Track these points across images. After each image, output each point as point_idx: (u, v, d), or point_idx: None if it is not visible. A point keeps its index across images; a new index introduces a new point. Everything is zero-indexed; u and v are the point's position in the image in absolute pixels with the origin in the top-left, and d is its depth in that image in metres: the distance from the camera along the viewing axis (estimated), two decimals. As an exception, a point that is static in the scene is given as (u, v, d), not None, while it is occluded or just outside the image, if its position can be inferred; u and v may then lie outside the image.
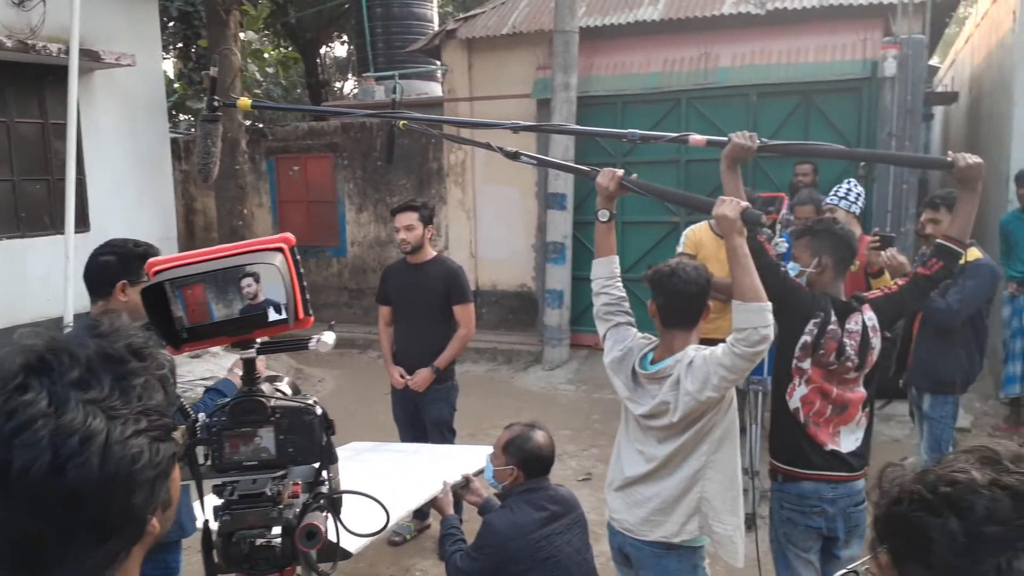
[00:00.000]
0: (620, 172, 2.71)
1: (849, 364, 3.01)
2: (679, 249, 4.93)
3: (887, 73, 6.47)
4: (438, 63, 9.50)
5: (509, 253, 9.18)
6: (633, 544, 2.70)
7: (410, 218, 4.26)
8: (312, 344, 1.46)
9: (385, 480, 3.24)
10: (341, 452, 3.71)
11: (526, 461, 2.84)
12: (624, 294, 2.78)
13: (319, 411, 1.41)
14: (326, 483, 1.45)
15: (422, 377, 4.25)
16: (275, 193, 10.75)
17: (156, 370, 0.86)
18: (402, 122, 3.20)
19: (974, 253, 3.89)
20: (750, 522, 3.96)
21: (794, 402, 3.09)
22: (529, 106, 8.25)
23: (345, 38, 20.27)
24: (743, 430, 5.09)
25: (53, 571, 0.80)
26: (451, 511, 3.04)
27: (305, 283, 1.36)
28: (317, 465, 1.45)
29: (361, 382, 7.74)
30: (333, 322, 1.76)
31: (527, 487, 2.82)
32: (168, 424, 0.85)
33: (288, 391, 1.50)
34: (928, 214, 4.09)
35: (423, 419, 4.40)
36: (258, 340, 1.45)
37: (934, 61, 15.47)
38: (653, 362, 2.59)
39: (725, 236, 2.46)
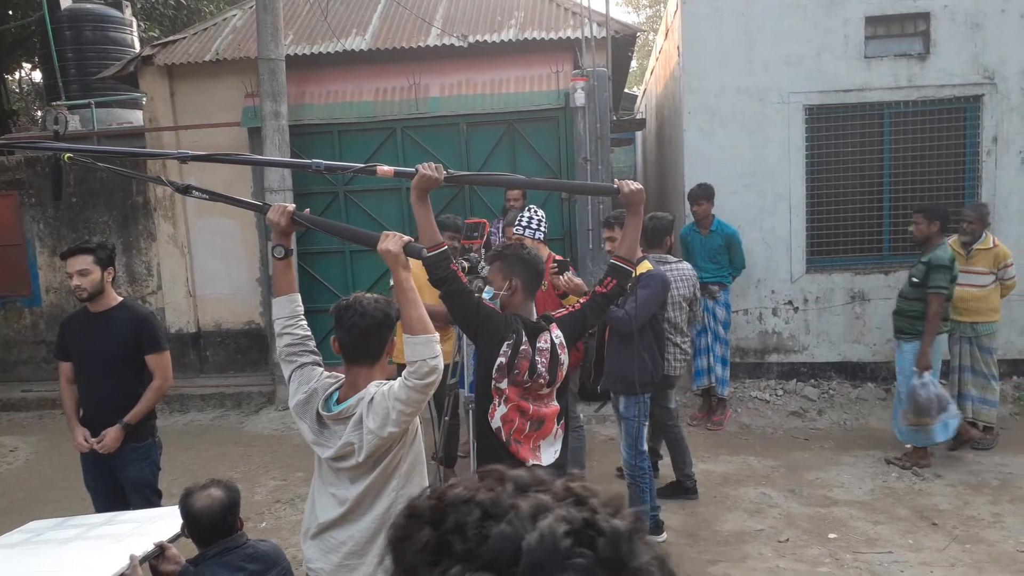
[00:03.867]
0: (291, 207, 2.64)
1: (542, 381, 3.19)
2: (391, 283, 4.98)
3: (578, 103, 7.03)
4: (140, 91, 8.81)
5: (232, 289, 8.68)
6: None
7: (83, 261, 3.85)
8: None
9: (59, 565, 2.87)
10: (16, 535, 3.25)
11: (189, 527, 2.67)
12: (308, 332, 2.68)
13: None
14: None
15: (111, 437, 3.85)
16: (-56, 239, 9.28)
17: None
18: (67, 155, 2.90)
19: (646, 266, 4.32)
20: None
21: (496, 422, 3.21)
22: (240, 135, 7.90)
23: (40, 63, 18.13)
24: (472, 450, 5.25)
25: None
26: (142, 586, 2.77)
27: None
28: None
29: (62, 447, 6.83)
30: None
31: (221, 548, 2.64)
32: None
33: None
34: (607, 232, 4.49)
35: (122, 484, 4.00)
36: None
37: (634, 90, 17.22)
38: (339, 401, 2.52)
39: (391, 270, 2.47)
